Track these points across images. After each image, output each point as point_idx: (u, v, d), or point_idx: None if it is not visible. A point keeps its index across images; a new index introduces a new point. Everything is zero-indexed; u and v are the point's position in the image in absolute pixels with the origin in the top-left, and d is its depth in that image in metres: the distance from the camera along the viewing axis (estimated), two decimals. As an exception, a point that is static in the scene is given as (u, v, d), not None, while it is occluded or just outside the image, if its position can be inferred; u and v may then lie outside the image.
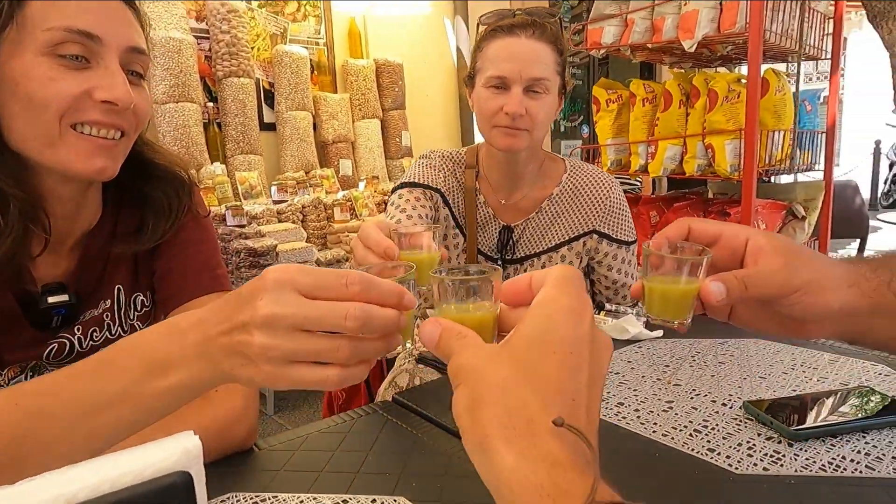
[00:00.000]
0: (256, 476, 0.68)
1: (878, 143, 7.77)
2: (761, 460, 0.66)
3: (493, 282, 0.46)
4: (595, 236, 1.33)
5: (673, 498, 0.61)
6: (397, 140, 4.11)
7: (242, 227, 2.84)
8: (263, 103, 3.60)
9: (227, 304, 0.48)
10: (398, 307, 0.47)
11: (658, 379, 0.89)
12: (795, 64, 2.05)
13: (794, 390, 0.84)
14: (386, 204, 2.92)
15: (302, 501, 0.62)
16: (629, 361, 0.97)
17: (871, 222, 4.57)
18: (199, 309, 0.50)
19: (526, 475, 0.32)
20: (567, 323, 0.38)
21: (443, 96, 4.57)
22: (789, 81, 1.96)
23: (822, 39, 2.04)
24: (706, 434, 0.72)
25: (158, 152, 0.86)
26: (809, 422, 0.71)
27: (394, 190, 1.34)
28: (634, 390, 0.86)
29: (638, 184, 2.89)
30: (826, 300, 0.54)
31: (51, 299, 0.77)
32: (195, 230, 0.87)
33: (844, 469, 0.64)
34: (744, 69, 2.09)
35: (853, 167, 6.81)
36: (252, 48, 3.49)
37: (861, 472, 0.63)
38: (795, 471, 0.64)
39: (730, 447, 0.69)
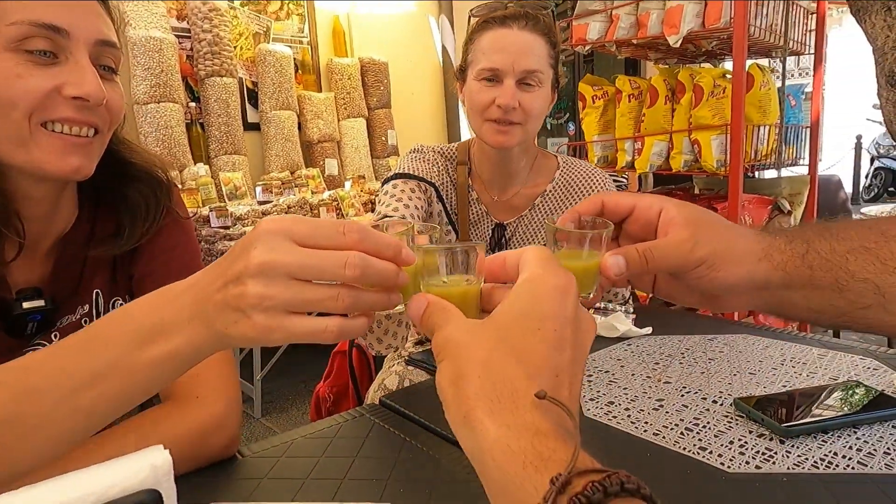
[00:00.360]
0: (239, 485, 0.66)
1: (859, 138, 7.88)
2: (753, 458, 0.65)
3: (478, 255, 0.46)
4: None
5: (665, 499, 0.60)
6: (383, 139, 4.09)
7: (227, 228, 2.80)
8: (247, 103, 3.56)
9: (221, 262, 0.45)
10: (396, 260, 0.45)
11: (648, 377, 0.89)
12: (779, 59, 2.05)
13: (784, 386, 0.84)
14: (373, 203, 2.90)
15: (286, 510, 0.60)
16: (619, 359, 0.96)
17: (854, 216, 4.62)
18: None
19: (508, 444, 0.33)
20: (552, 301, 0.39)
21: (428, 94, 4.55)
22: (774, 76, 1.97)
23: (806, 35, 2.05)
24: (697, 432, 0.71)
25: (135, 152, 0.84)
26: (800, 418, 0.71)
27: (386, 181, 1.29)
28: (624, 389, 0.85)
29: (624, 180, 2.89)
30: (732, 273, 0.53)
31: (26, 305, 0.74)
32: (175, 233, 0.84)
33: (837, 466, 0.63)
34: (728, 65, 2.10)
35: (835, 162, 6.89)
36: (235, 47, 3.45)
37: (854, 468, 0.62)
38: (788, 468, 0.63)
39: (721, 445, 0.68)
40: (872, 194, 7.94)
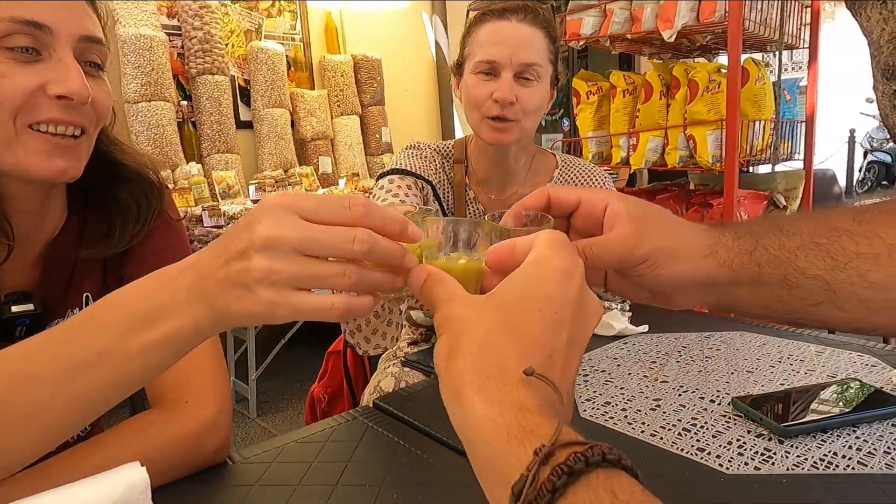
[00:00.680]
0: (229, 491, 0.64)
1: (852, 132, 7.90)
2: (752, 459, 0.64)
3: (482, 232, 0.46)
4: None
5: (663, 501, 0.59)
6: (377, 136, 4.06)
7: (220, 227, 2.78)
8: (239, 101, 3.54)
9: (222, 240, 0.44)
10: (402, 236, 0.44)
11: (645, 376, 0.88)
12: (774, 53, 2.05)
13: (782, 384, 0.83)
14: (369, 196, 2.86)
15: (277, 518, 0.59)
16: (615, 358, 0.96)
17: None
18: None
19: (493, 419, 0.33)
20: (556, 283, 0.39)
21: (422, 91, 4.53)
22: (768, 71, 1.96)
23: (801, 29, 2.04)
24: (695, 433, 0.70)
25: (126, 153, 0.82)
26: (799, 417, 0.70)
27: (381, 175, 1.25)
28: (621, 388, 0.84)
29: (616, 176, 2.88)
30: (676, 271, 0.51)
31: (14, 308, 0.72)
32: (166, 234, 0.83)
33: (837, 466, 0.62)
34: (722, 59, 2.09)
35: (829, 156, 6.91)
36: (226, 45, 3.42)
37: (854, 468, 0.62)
38: (787, 469, 0.62)
39: (720, 446, 0.67)
40: (866, 188, 7.97)
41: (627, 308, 1.16)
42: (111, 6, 2.97)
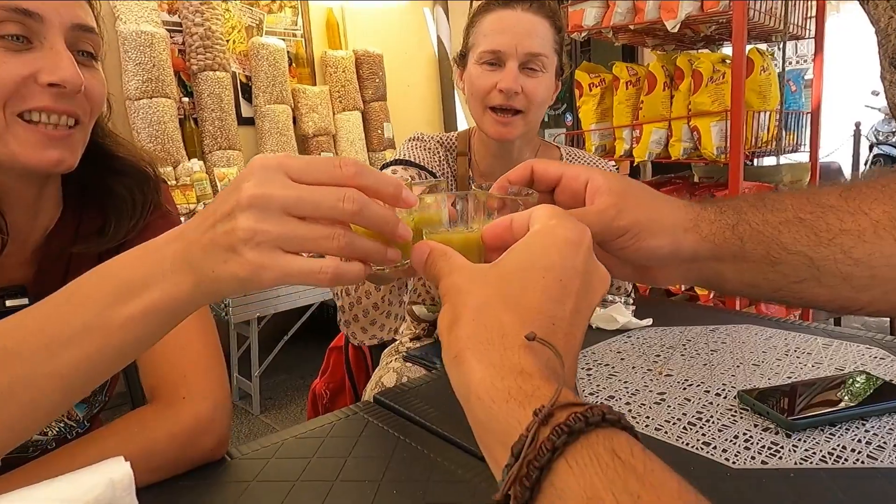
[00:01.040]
0: (226, 488, 0.63)
1: (857, 124, 7.84)
2: (759, 453, 0.63)
3: (481, 203, 0.46)
4: None
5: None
6: (379, 132, 4.04)
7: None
8: (241, 97, 3.52)
9: (209, 206, 0.43)
10: (396, 199, 0.43)
11: (649, 369, 0.86)
12: (779, 44, 2.02)
13: (789, 377, 0.81)
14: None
15: (275, 515, 0.58)
16: (619, 352, 0.94)
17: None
18: None
19: (493, 382, 0.33)
20: (561, 252, 0.39)
21: (424, 86, 4.50)
22: (773, 61, 1.93)
23: (806, 20, 2.02)
24: (701, 427, 0.69)
25: (121, 145, 0.81)
26: (807, 411, 0.68)
27: (385, 166, 1.24)
28: (625, 382, 0.83)
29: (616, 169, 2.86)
30: (657, 244, 0.51)
31: (9, 303, 0.71)
32: (162, 229, 0.81)
33: (846, 460, 0.61)
34: (726, 50, 2.06)
35: (834, 149, 6.86)
36: (227, 41, 3.40)
37: (863, 462, 0.60)
38: (795, 463, 0.61)
39: (726, 440, 0.66)
40: (872, 181, 7.91)
41: (631, 302, 1.15)
42: (112, 3, 2.96)
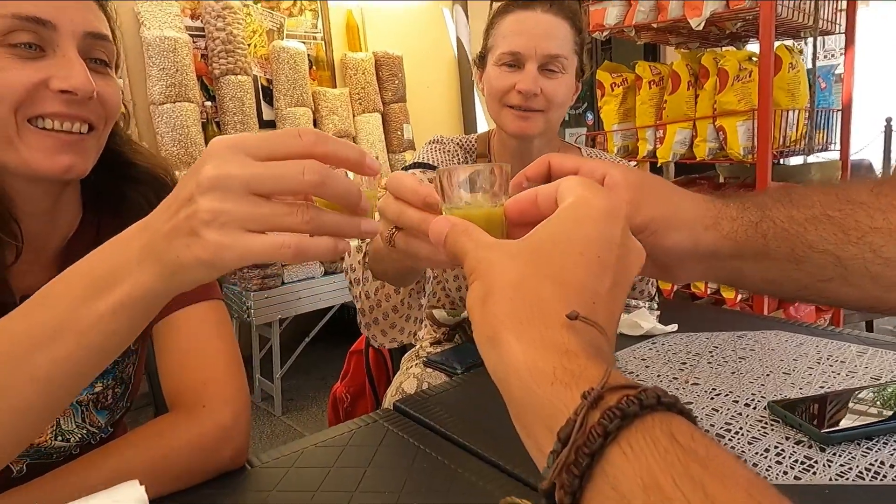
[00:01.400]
0: (246, 497, 0.63)
1: (888, 120, 7.64)
2: (792, 468, 0.60)
3: (503, 175, 0.44)
4: None
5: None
6: (399, 133, 4.05)
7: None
8: (262, 100, 3.55)
9: (173, 192, 0.42)
10: (359, 166, 0.42)
11: (675, 378, 0.84)
12: (808, 40, 1.97)
13: (822, 387, 0.79)
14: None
15: (294, 527, 0.57)
16: (643, 359, 0.92)
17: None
18: None
19: (535, 363, 0.31)
20: (598, 224, 0.37)
21: (444, 87, 4.50)
22: (802, 58, 1.88)
23: (836, 14, 1.96)
24: (730, 439, 0.67)
25: (139, 152, 0.82)
26: (842, 423, 0.66)
27: (404, 170, 1.22)
28: (650, 391, 0.80)
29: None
30: (677, 241, 0.50)
31: None
32: None
33: (885, 476, 0.58)
34: (752, 47, 2.01)
35: (864, 145, 6.70)
36: (249, 45, 3.44)
37: (903, 479, 0.57)
38: (830, 479, 0.58)
39: (756, 454, 0.63)
40: (904, 178, 7.71)
41: (656, 307, 1.12)
42: (137, 9, 3.01)
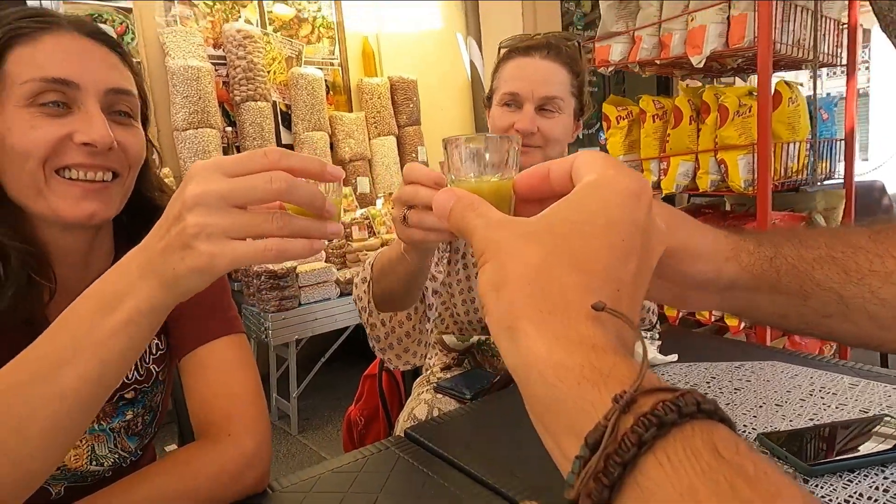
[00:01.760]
0: (269, 521, 0.68)
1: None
2: (774, 499, 0.64)
3: (513, 148, 0.41)
4: None
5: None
6: (413, 156, 4.13)
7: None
8: (281, 125, 3.65)
9: (163, 213, 0.49)
10: (322, 174, 0.48)
11: (671, 409, 0.88)
12: (809, 72, 2.01)
13: (811, 419, 0.82)
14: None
15: (312, 549, 0.62)
16: (642, 390, 0.96)
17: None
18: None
19: (560, 359, 0.29)
20: (622, 206, 0.34)
21: (458, 109, 4.58)
22: (804, 89, 1.92)
23: (838, 46, 2.00)
24: (718, 471, 0.71)
25: (168, 195, 0.87)
26: (826, 456, 0.70)
27: None
28: (647, 422, 0.84)
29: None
30: (700, 269, 0.52)
31: None
32: None
33: (860, 508, 0.62)
34: (756, 79, 2.06)
35: (879, 164, 6.64)
36: (268, 72, 3.54)
37: (878, 511, 0.61)
38: (810, 510, 0.62)
39: (742, 485, 0.67)
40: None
41: (657, 336, 1.16)
42: (163, 39, 3.13)
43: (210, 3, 3.36)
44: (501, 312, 0.32)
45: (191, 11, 3.28)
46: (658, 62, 1.97)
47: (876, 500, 0.63)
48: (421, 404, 1.24)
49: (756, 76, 2.08)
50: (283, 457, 2.65)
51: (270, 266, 2.77)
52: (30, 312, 0.72)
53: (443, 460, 0.79)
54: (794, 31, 1.78)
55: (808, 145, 1.91)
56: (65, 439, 0.54)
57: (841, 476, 0.67)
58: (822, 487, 0.66)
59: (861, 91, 6.26)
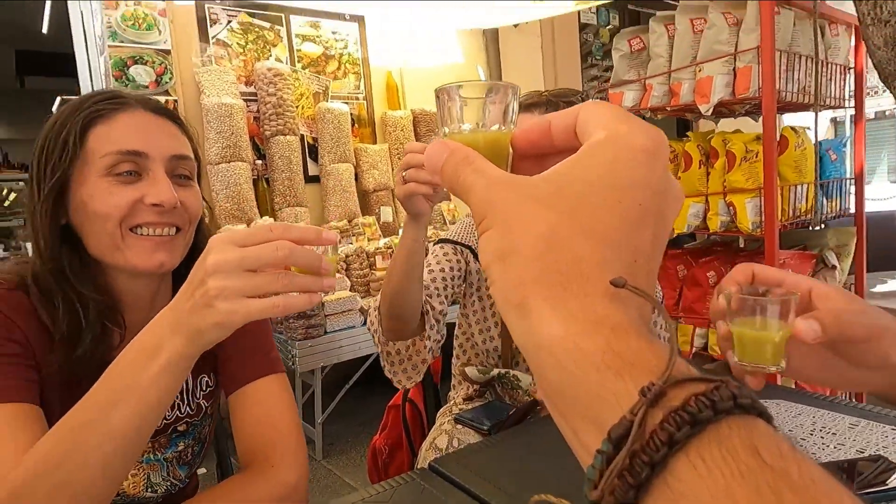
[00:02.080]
0: (308, 547, 0.76)
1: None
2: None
3: (514, 99, 0.38)
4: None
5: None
6: (435, 186, 4.22)
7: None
8: (308, 157, 3.79)
9: (188, 278, 0.60)
10: (318, 239, 0.59)
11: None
12: (822, 113, 2.07)
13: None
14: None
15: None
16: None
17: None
18: None
19: (577, 342, 0.26)
20: (638, 167, 0.30)
21: (478, 141, 4.68)
22: (810, 132, 1.99)
23: (844, 90, 2.07)
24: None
25: None
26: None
27: (433, 244, 1.47)
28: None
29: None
30: (889, 352, 0.55)
31: None
32: None
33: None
34: (768, 119, 2.13)
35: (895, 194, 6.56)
36: (297, 107, 3.69)
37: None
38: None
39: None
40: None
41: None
42: (198, 78, 3.30)
43: (242, 43, 3.54)
44: (510, 287, 0.29)
45: (224, 51, 3.46)
46: (668, 109, 2.05)
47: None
48: (442, 434, 1.31)
49: (765, 118, 2.15)
50: (308, 481, 2.71)
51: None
52: (103, 356, 0.82)
53: (464, 492, 0.85)
54: (798, 79, 1.85)
55: (815, 186, 1.97)
56: (114, 473, 0.63)
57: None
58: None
59: (887, 113, 6.23)
